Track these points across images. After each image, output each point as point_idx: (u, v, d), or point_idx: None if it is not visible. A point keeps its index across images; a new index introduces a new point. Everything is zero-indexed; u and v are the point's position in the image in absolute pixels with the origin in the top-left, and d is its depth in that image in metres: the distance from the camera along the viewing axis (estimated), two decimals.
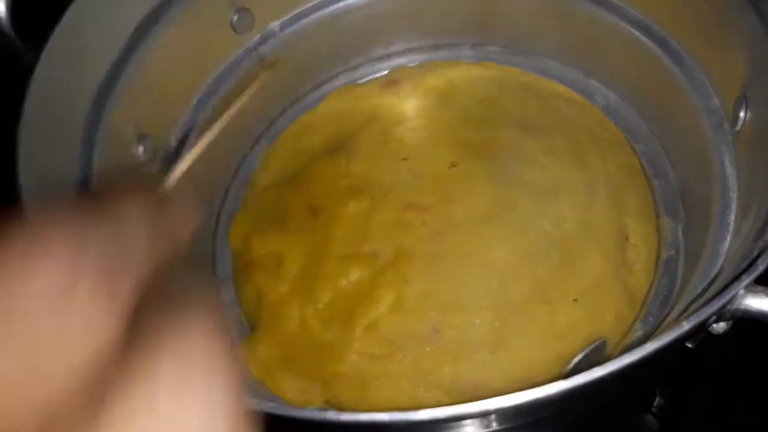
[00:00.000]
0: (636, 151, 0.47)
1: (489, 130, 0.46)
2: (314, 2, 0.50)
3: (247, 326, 0.45)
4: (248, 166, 0.51)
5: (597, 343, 0.40)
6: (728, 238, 0.36)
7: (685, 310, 0.33)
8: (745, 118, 0.37)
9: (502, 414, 0.29)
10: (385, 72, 0.54)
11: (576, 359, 0.39)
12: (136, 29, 0.42)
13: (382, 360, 0.40)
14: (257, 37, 0.49)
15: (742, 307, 0.27)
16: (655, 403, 0.43)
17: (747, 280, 0.26)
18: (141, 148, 0.42)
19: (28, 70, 0.37)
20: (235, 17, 0.47)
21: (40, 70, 0.35)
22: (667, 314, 0.41)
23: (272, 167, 0.50)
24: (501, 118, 0.47)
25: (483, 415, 0.28)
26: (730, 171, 0.38)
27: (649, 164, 0.46)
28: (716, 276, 0.34)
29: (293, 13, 0.50)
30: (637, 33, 0.45)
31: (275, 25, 0.49)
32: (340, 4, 0.50)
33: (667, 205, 0.45)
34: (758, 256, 0.27)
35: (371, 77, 0.54)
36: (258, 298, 0.43)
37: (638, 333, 0.41)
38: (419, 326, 0.40)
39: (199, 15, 0.44)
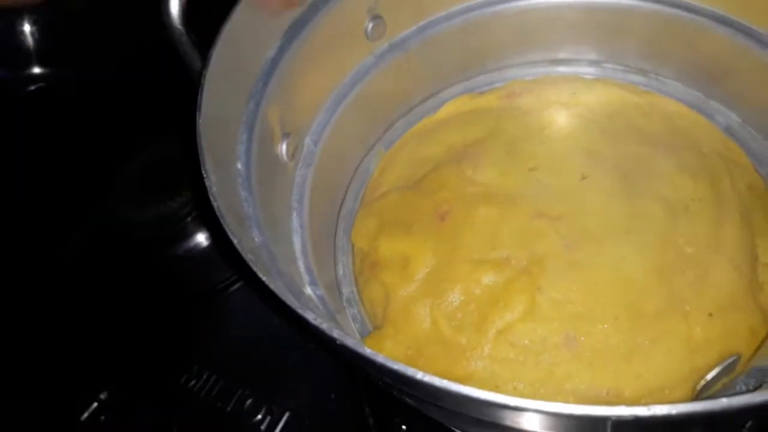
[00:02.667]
0: (760, 173, 0.47)
1: (618, 144, 0.47)
2: (442, 14, 0.51)
3: (368, 324, 0.46)
4: (366, 168, 0.53)
5: (731, 359, 0.40)
6: None
7: None
8: None
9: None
10: (502, 84, 0.55)
11: (711, 374, 0.39)
12: (288, 29, 0.43)
13: (515, 365, 0.40)
14: (386, 45, 0.51)
15: None
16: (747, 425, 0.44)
17: None
18: (284, 147, 0.44)
19: (195, 69, 0.39)
20: (370, 25, 0.48)
21: (212, 63, 0.37)
22: None
23: (392, 172, 0.51)
24: (629, 134, 0.47)
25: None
26: None
27: None
28: None
29: (421, 24, 0.51)
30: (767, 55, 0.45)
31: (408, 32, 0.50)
32: (466, 16, 0.52)
33: None
34: None
35: (488, 88, 0.55)
36: (385, 297, 0.44)
37: None
38: (553, 333, 0.41)
39: (339, 20, 0.46)
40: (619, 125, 0.48)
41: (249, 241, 0.34)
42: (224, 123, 0.38)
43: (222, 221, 0.31)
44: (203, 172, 0.33)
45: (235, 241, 0.30)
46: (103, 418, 0.52)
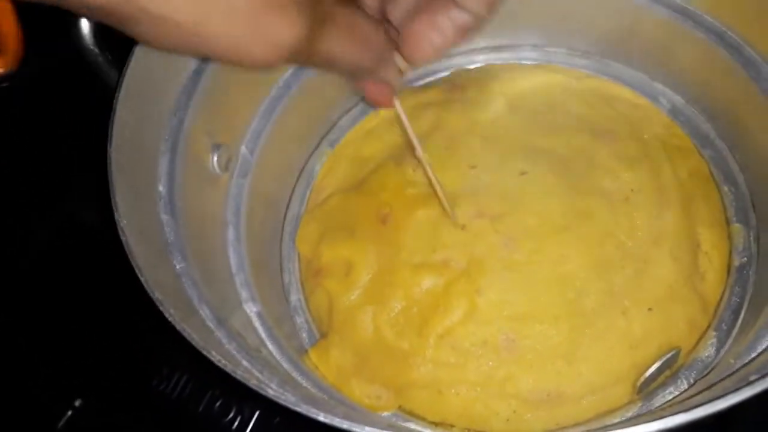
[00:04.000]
0: (704, 157, 0.47)
1: (559, 136, 0.46)
2: None
3: (315, 332, 0.45)
4: (310, 170, 0.52)
5: (671, 353, 0.40)
6: None
7: None
8: None
9: None
10: (446, 74, 0.54)
11: (651, 369, 0.39)
12: None
13: (457, 368, 0.40)
14: None
15: None
16: None
17: None
18: (215, 159, 0.43)
19: (109, 85, 0.38)
20: None
21: (127, 83, 0.36)
22: (740, 322, 0.41)
23: (336, 174, 0.50)
24: (570, 124, 0.46)
25: None
26: None
27: (717, 169, 0.46)
28: None
29: None
30: (710, 39, 0.44)
31: None
32: None
33: (737, 211, 0.45)
34: None
35: (430, 79, 0.54)
36: (329, 304, 0.44)
37: (712, 340, 0.41)
38: (493, 335, 0.40)
39: None
40: (559, 115, 0.47)
41: (166, 273, 0.33)
42: (142, 144, 0.37)
43: (131, 258, 0.30)
44: (113, 204, 0.32)
45: (143, 279, 0.29)
46: (79, 425, 0.53)
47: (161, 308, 0.28)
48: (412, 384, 0.41)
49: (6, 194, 0.64)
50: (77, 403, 0.53)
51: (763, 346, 0.35)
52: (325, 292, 0.44)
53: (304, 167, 0.52)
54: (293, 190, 0.51)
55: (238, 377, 0.26)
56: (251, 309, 0.40)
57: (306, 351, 0.44)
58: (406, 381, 0.41)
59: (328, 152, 0.52)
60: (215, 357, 0.27)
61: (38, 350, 0.56)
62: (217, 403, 0.51)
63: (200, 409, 0.52)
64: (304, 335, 0.45)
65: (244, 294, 0.41)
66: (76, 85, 0.50)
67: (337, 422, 0.25)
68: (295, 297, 0.47)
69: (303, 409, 0.25)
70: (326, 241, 0.46)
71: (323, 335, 0.45)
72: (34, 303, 0.58)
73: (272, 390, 0.26)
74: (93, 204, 0.60)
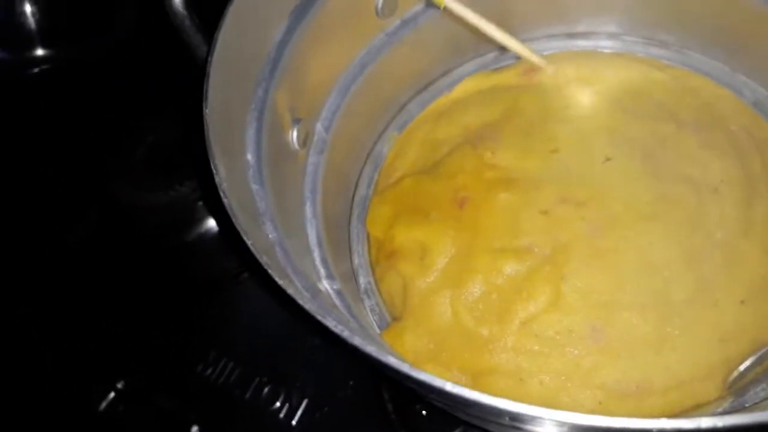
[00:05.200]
0: None
1: (642, 123, 0.45)
2: None
3: (386, 316, 0.44)
4: (378, 152, 0.51)
5: (765, 349, 0.39)
6: None
7: None
8: None
9: None
10: (520, 59, 0.52)
11: (745, 365, 0.38)
12: (295, 8, 0.41)
13: (541, 357, 0.39)
14: (398, 21, 0.48)
15: None
16: None
17: None
18: (295, 134, 0.42)
19: (199, 55, 0.37)
20: (381, 1, 0.46)
21: (218, 49, 0.35)
22: None
23: (407, 156, 0.49)
24: (654, 112, 0.45)
25: None
26: None
27: None
28: None
29: None
30: None
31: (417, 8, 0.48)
32: None
33: None
34: None
35: (505, 64, 0.53)
36: (403, 287, 0.43)
37: None
38: (579, 324, 0.39)
39: None
40: (642, 103, 0.46)
41: (263, 240, 0.32)
42: (232, 112, 0.36)
43: (234, 221, 0.29)
44: (212, 167, 0.31)
45: (249, 243, 0.28)
46: (121, 407, 0.52)
47: (270, 272, 0.27)
48: (491, 371, 0.40)
49: (54, 177, 0.64)
50: (120, 384, 0.53)
51: None
52: (399, 275, 0.43)
53: (372, 150, 0.51)
54: (361, 173, 0.50)
55: (355, 344, 0.25)
56: (331, 286, 0.39)
57: (378, 334, 0.43)
58: (485, 368, 0.40)
59: (395, 136, 0.51)
60: (327, 322, 0.26)
61: (82, 330, 0.55)
62: (265, 390, 0.51)
63: (247, 396, 0.51)
64: (376, 318, 0.44)
65: (323, 271, 0.40)
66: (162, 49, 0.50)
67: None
68: (364, 279, 0.46)
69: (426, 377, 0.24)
70: (400, 224, 0.45)
71: (396, 319, 0.43)
72: (82, 287, 0.58)
73: (390, 359, 0.25)
74: (139, 189, 0.60)
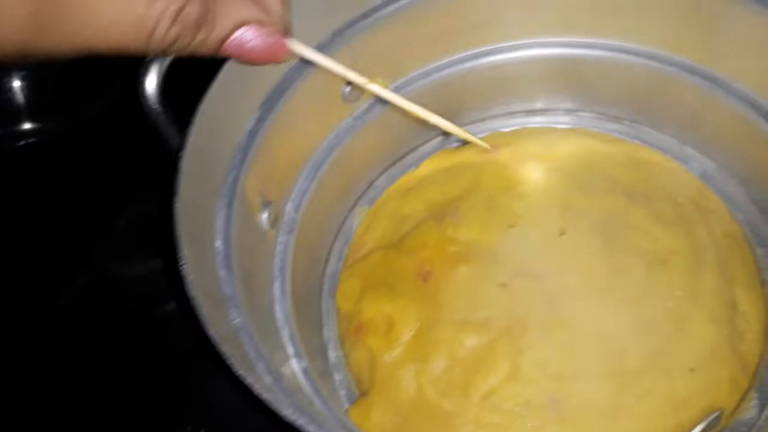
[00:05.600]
0: (737, 219, 0.48)
1: (595, 197, 0.47)
2: (418, 72, 0.52)
3: (355, 390, 0.46)
4: (348, 227, 0.53)
5: (715, 414, 0.40)
6: None
7: None
8: None
9: None
10: (481, 136, 0.55)
11: (696, 431, 0.40)
12: (266, 99, 0.44)
13: (502, 429, 0.40)
14: (364, 106, 0.51)
15: None
16: None
17: None
18: (265, 216, 0.44)
19: (172, 145, 0.40)
20: (348, 88, 0.49)
21: (191, 143, 0.38)
22: None
23: (375, 231, 0.51)
24: (605, 186, 0.48)
25: None
26: None
27: (751, 232, 0.47)
28: None
29: (398, 83, 0.52)
30: (740, 106, 0.46)
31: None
32: (442, 73, 0.52)
33: None
34: None
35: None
36: (370, 361, 0.45)
37: (754, 401, 0.41)
38: (537, 396, 0.41)
39: (317, 86, 0.46)
40: (595, 177, 0.49)
41: (227, 327, 0.34)
42: (203, 202, 0.38)
43: (199, 312, 0.31)
44: (181, 258, 0.33)
45: (211, 333, 0.30)
46: None
47: (229, 362, 0.29)
48: None
49: (38, 247, 0.66)
50: None
51: None
52: (367, 349, 0.45)
53: (342, 225, 0.53)
54: (332, 247, 0.52)
55: None
56: (298, 365, 0.41)
57: (346, 409, 0.44)
58: None
59: (365, 210, 0.54)
60: (283, 412, 0.28)
61: (57, 402, 0.56)
62: None
63: None
64: (343, 393, 0.46)
65: (290, 349, 0.41)
66: (134, 139, 0.52)
67: None
68: (334, 354, 0.47)
69: None
70: (367, 297, 0.47)
71: (363, 393, 0.45)
72: (63, 359, 0.59)
73: None
74: (121, 260, 0.61)
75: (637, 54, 0.50)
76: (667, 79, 0.49)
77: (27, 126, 0.73)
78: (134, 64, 0.40)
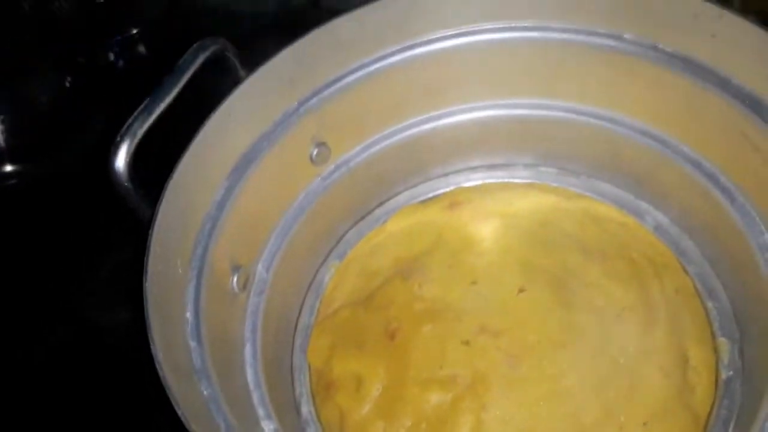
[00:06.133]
0: (689, 273, 0.50)
1: (553, 254, 0.49)
2: (382, 134, 0.54)
3: None
4: (319, 282, 0.55)
5: None
6: None
7: None
8: None
9: None
10: (444, 191, 0.57)
11: None
12: (231, 172, 0.45)
13: None
14: (332, 166, 0.53)
15: None
16: None
17: None
18: (235, 280, 0.46)
19: (142, 220, 0.42)
20: (315, 151, 0.51)
21: (159, 220, 0.39)
22: None
23: (344, 287, 0.53)
24: (562, 242, 0.50)
25: None
26: None
27: (702, 285, 0.50)
28: None
29: (364, 144, 0.54)
30: (688, 167, 0.48)
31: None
32: (405, 134, 0.54)
33: (722, 325, 0.48)
34: None
35: (431, 195, 0.57)
36: (341, 419, 0.46)
37: None
38: None
39: (284, 152, 0.48)
40: (552, 234, 0.51)
41: (196, 400, 0.36)
42: (172, 276, 0.40)
43: (168, 392, 0.33)
44: (149, 338, 0.35)
45: (180, 413, 0.32)
46: None
47: None
48: None
49: (20, 291, 0.67)
50: None
51: None
52: (337, 406, 0.47)
53: (313, 280, 0.55)
54: (303, 302, 0.54)
55: None
56: (268, 427, 0.42)
57: None
58: None
59: (335, 265, 0.55)
60: None
61: None
62: None
63: None
64: None
65: (261, 411, 0.43)
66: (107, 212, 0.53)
67: None
68: (306, 409, 0.49)
69: None
70: (337, 355, 0.48)
71: None
72: (46, 405, 0.59)
73: None
74: (103, 307, 0.63)
75: (592, 116, 0.52)
76: (621, 140, 0.52)
77: (8, 168, 0.74)
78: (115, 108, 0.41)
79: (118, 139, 0.41)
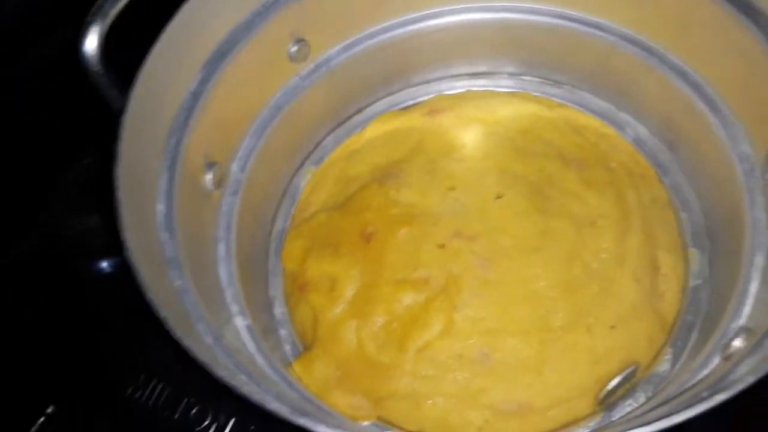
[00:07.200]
0: (665, 184, 0.50)
1: (531, 161, 0.49)
2: (364, 33, 0.52)
3: (299, 344, 0.48)
4: (296, 187, 0.54)
5: (631, 368, 0.43)
6: (756, 279, 0.40)
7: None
8: None
9: None
10: (426, 98, 0.56)
11: (612, 383, 0.43)
12: (207, 62, 0.44)
13: (434, 381, 0.43)
14: (311, 65, 0.52)
15: None
16: None
17: None
18: (209, 177, 0.45)
19: (115, 106, 0.40)
20: (294, 48, 0.49)
21: (131, 107, 0.38)
22: (692, 340, 0.45)
23: (321, 192, 0.53)
24: (542, 150, 0.50)
25: None
26: (761, 215, 0.41)
27: (676, 197, 0.50)
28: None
29: (345, 44, 0.52)
30: (673, 77, 0.48)
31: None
32: (387, 35, 0.53)
33: (693, 236, 0.48)
34: None
35: (411, 102, 0.57)
36: (314, 318, 0.46)
37: (668, 356, 0.44)
38: (468, 350, 0.43)
39: (261, 47, 0.47)
40: (532, 142, 0.50)
41: (166, 290, 0.35)
42: (144, 166, 0.39)
43: (137, 276, 0.32)
44: (119, 224, 0.34)
45: (149, 297, 0.32)
46: None
47: (167, 326, 0.31)
48: (391, 395, 0.43)
49: None
50: (50, 409, 0.54)
51: (714, 364, 0.38)
52: (310, 306, 0.47)
53: (289, 184, 0.54)
54: (278, 207, 0.53)
55: (243, 393, 0.29)
56: (241, 322, 0.42)
57: (290, 363, 0.46)
58: (386, 392, 0.43)
59: (312, 170, 0.55)
60: (218, 374, 0.29)
61: (11, 355, 0.57)
62: (193, 411, 0.53)
63: (176, 416, 0.53)
64: (288, 347, 0.48)
65: (234, 308, 0.43)
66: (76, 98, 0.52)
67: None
68: (279, 310, 0.49)
69: (301, 421, 0.28)
70: (312, 257, 0.48)
71: (307, 348, 0.47)
72: (14, 310, 0.59)
73: (273, 404, 0.29)
74: (73, 212, 0.61)
75: (579, 21, 0.51)
76: (608, 48, 0.51)
77: None
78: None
79: (88, 19, 0.39)
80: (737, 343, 0.36)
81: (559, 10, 0.51)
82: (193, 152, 0.43)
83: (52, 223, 0.62)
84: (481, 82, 0.56)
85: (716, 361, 0.39)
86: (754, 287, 0.40)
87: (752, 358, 0.31)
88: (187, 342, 0.30)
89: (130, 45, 0.40)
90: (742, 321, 0.38)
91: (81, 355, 0.56)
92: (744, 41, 0.42)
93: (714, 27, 0.43)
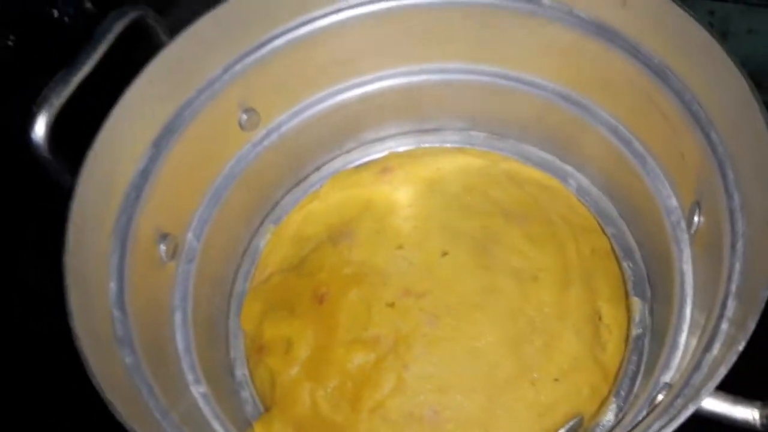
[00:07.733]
0: (607, 234, 0.52)
1: (475, 218, 0.51)
2: (312, 99, 0.54)
3: (260, 405, 0.49)
4: (255, 247, 0.56)
5: (575, 420, 0.45)
6: (685, 330, 0.41)
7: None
8: (698, 222, 0.42)
9: None
10: (378, 156, 0.58)
11: None
12: (155, 140, 0.46)
13: None
14: (263, 131, 0.53)
15: None
16: None
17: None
18: (163, 248, 0.46)
19: (65, 190, 0.42)
20: (244, 117, 0.51)
21: (79, 191, 0.40)
22: (636, 388, 0.46)
23: (278, 253, 0.54)
24: (485, 207, 0.52)
25: None
26: (687, 267, 0.43)
27: (618, 246, 0.52)
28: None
29: (294, 109, 0.54)
30: (606, 132, 0.50)
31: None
32: (335, 99, 0.55)
33: (635, 285, 0.50)
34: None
35: (366, 159, 0.58)
36: (271, 380, 0.48)
37: (612, 406, 0.46)
38: (419, 408, 0.45)
39: (210, 119, 0.48)
40: (476, 198, 0.52)
41: (115, 370, 0.37)
42: (94, 246, 0.41)
43: (85, 362, 0.34)
44: (67, 310, 0.36)
45: (95, 381, 0.33)
46: None
47: (111, 410, 0.32)
48: None
49: None
50: None
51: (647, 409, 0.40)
52: (268, 369, 0.48)
53: (249, 245, 0.56)
54: (238, 268, 0.55)
55: None
56: (197, 390, 0.44)
57: (251, 424, 0.47)
58: None
59: (271, 229, 0.56)
60: None
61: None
62: None
63: None
64: (249, 408, 0.49)
65: (190, 377, 0.44)
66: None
67: None
68: (240, 372, 0.51)
69: None
70: (268, 320, 0.50)
71: (267, 408, 0.48)
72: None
73: None
74: (45, 272, 0.63)
75: (516, 80, 0.53)
76: (544, 104, 0.53)
77: None
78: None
79: (34, 109, 0.40)
80: (660, 397, 0.37)
81: (495, 69, 0.53)
82: (145, 227, 0.45)
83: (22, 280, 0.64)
84: (430, 138, 0.58)
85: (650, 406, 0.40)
86: (682, 339, 0.41)
87: (661, 420, 0.32)
88: (131, 424, 0.32)
89: (80, 128, 0.42)
90: (668, 375, 0.40)
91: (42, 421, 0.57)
92: (661, 101, 0.44)
93: (633, 86, 0.46)
